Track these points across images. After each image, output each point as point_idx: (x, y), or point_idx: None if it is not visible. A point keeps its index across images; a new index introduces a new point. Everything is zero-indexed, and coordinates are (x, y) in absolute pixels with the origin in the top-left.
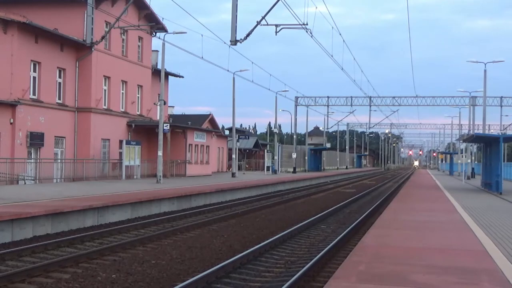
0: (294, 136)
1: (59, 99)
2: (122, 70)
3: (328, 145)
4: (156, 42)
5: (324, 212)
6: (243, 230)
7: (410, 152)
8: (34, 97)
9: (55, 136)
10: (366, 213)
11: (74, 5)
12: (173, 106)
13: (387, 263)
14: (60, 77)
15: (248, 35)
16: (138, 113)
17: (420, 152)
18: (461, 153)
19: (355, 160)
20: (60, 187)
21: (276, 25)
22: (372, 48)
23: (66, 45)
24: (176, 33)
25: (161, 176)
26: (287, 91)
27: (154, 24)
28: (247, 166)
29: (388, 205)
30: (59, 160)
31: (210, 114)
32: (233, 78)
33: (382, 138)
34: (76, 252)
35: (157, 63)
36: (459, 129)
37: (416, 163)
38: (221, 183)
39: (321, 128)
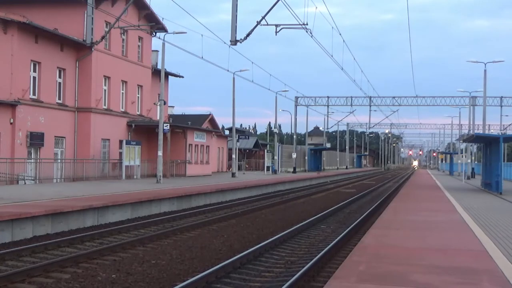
0: (294, 136)
1: (59, 99)
2: (122, 70)
3: (328, 145)
4: (156, 42)
5: (324, 212)
6: (243, 230)
7: (410, 152)
8: (34, 97)
9: (55, 136)
10: (366, 213)
11: (74, 5)
12: (173, 106)
13: (387, 263)
14: (60, 77)
15: (248, 35)
16: (138, 113)
17: (420, 152)
18: (461, 153)
19: (355, 160)
20: (60, 187)
21: (276, 25)
22: (372, 48)
23: (66, 45)
24: (176, 33)
25: (161, 176)
26: (287, 91)
27: (154, 24)
28: (247, 166)
29: (388, 205)
30: (59, 160)
31: (210, 114)
32: (233, 78)
33: (382, 138)
34: (76, 252)
35: (157, 63)
36: (459, 129)
37: (415, 163)
38: (221, 183)
39: (321, 128)
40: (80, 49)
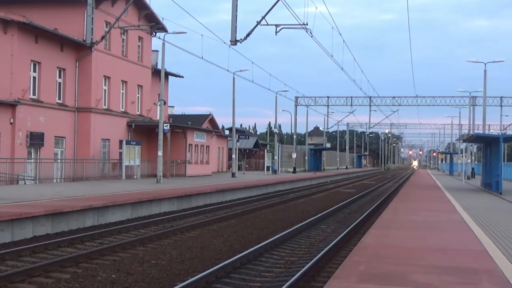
0: (294, 136)
1: (59, 99)
2: (122, 70)
3: (328, 145)
4: (156, 42)
5: (324, 212)
6: (243, 230)
7: (410, 152)
8: (34, 97)
9: (55, 136)
10: (366, 213)
11: (74, 5)
12: (173, 106)
13: (387, 263)
14: (60, 77)
15: (248, 35)
16: (138, 113)
17: (420, 152)
18: (461, 153)
19: (355, 160)
20: (60, 187)
21: (276, 25)
22: (372, 48)
23: (66, 45)
24: (176, 33)
25: (161, 176)
26: (287, 91)
27: (154, 24)
28: (247, 166)
29: (388, 205)
30: (59, 160)
31: (210, 114)
32: (233, 78)
33: (382, 138)
34: (76, 252)
35: (157, 63)
36: (459, 129)
37: (415, 163)
38: (221, 183)
39: (321, 128)
40: (80, 49)
